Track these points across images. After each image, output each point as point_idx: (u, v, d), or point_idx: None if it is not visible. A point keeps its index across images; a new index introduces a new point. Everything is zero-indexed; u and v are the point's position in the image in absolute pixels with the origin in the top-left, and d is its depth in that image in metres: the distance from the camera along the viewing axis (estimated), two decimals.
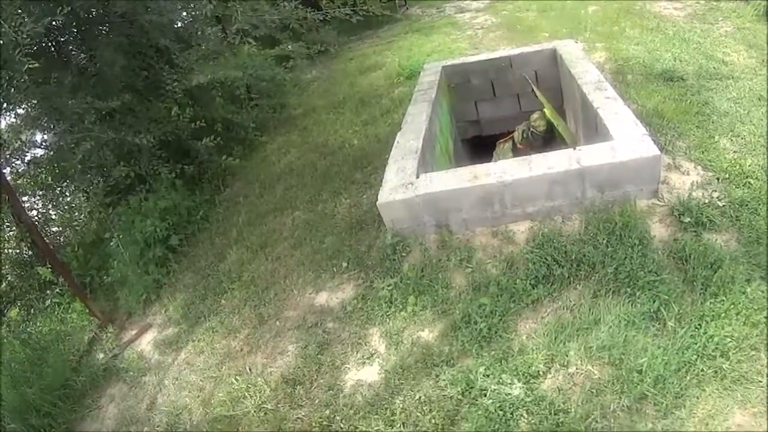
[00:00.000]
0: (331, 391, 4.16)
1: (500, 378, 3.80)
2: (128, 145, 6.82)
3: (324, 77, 12.33)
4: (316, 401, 4.14)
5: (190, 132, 7.56)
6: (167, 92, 7.40)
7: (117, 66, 6.73)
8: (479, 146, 9.14)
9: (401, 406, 3.91)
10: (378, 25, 16.10)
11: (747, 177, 5.17)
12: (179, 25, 8.56)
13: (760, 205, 4.78)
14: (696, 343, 3.70)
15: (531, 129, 8.35)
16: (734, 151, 5.65)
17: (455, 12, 15.73)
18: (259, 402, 4.26)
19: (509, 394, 3.71)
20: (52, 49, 7.21)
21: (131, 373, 5.11)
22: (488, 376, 3.84)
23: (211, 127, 7.98)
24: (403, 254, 5.08)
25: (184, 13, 8.71)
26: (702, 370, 3.56)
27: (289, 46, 9.47)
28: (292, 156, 8.32)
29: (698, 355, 3.64)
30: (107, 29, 7.25)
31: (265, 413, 4.20)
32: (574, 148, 5.21)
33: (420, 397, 3.90)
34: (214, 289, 5.74)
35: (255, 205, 7.14)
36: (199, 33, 8.76)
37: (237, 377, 4.54)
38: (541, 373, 3.81)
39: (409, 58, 11.14)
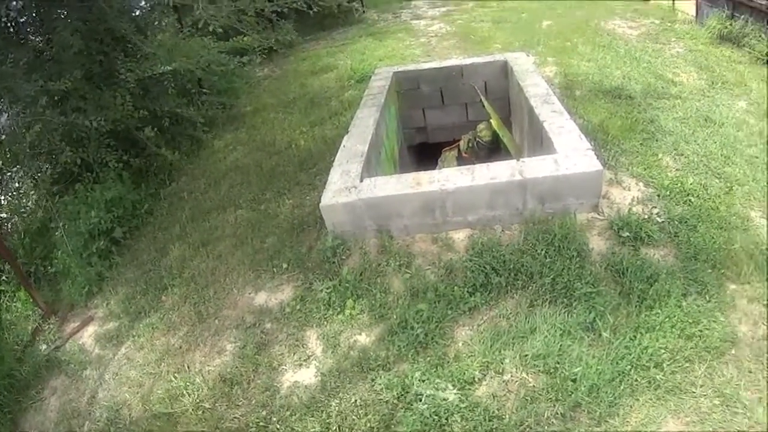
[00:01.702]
0: (268, 392, 4.21)
1: (436, 383, 3.90)
2: (78, 131, 6.82)
3: (276, 76, 12.42)
4: (253, 401, 4.18)
5: (138, 121, 7.56)
6: (120, 80, 7.39)
7: (73, 49, 6.74)
8: (425, 153, 9.34)
9: (337, 409, 3.97)
10: (333, 27, 16.29)
11: (688, 195, 5.45)
12: (137, 13, 8.59)
13: (699, 222, 5.06)
14: (630, 354, 3.89)
15: (477, 139, 8.58)
16: (677, 169, 5.95)
17: (411, 18, 16.05)
18: (197, 400, 4.28)
19: (444, 399, 3.81)
20: (11, 29, 7.20)
21: (73, 366, 5.07)
22: (424, 381, 3.94)
23: (159, 119, 8.00)
24: (343, 257, 5.17)
25: (143, 2, 8.73)
26: (636, 380, 3.74)
27: (245, 38, 9.49)
28: (238, 153, 8.36)
29: (632, 366, 3.82)
30: (66, 12, 7.23)
31: (203, 412, 4.22)
32: (518, 160, 5.41)
33: (356, 401, 3.97)
34: (155, 285, 5.74)
35: (199, 201, 7.16)
36: (156, 23, 8.81)
37: (176, 374, 4.56)
38: (476, 379, 3.93)
39: (361, 61, 11.32)
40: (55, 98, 6.89)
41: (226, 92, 10.47)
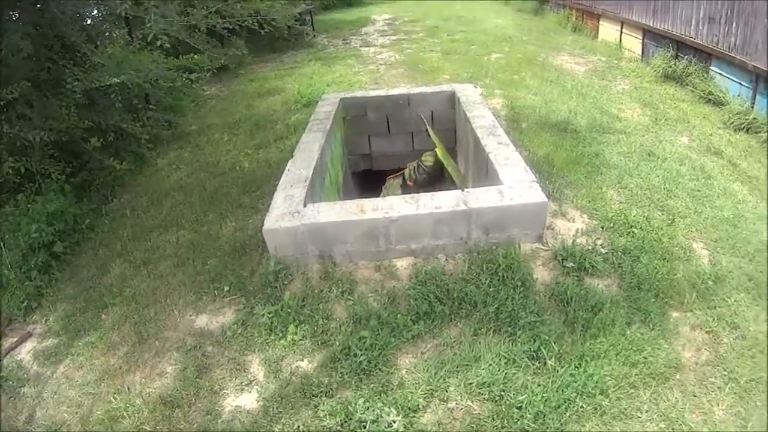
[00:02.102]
0: (209, 416, 4.13)
1: (380, 410, 3.88)
2: (22, 139, 6.65)
3: (223, 95, 12.42)
4: (195, 425, 4.08)
5: (83, 132, 7.45)
6: (67, 90, 7.27)
7: (22, 54, 6.63)
8: (369, 180, 9.41)
9: None
10: (283, 49, 16.47)
11: (631, 227, 5.64)
12: (89, 22, 8.53)
13: (642, 253, 5.23)
14: (576, 382, 3.95)
15: (418, 162, 8.73)
16: (620, 202, 6.15)
17: (361, 45, 16.34)
18: (138, 423, 4.16)
19: (389, 426, 3.79)
20: None
21: (10, 383, 4.85)
22: (368, 408, 3.90)
23: (104, 133, 7.91)
24: (285, 282, 5.14)
25: (95, 11, 8.64)
26: (581, 407, 3.80)
27: (195, 56, 9.46)
28: (182, 173, 8.29)
29: (578, 393, 3.88)
30: (18, 14, 7.14)
31: None
32: (463, 190, 5.51)
33: (299, 427, 3.92)
34: (95, 303, 5.60)
35: (141, 219, 7.05)
36: (107, 33, 8.74)
37: (116, 395, 4.42)
38: (420, 407, 3.92)
39: (309, 86, 11.42)
40: (1, 103, 6.73)
41: (173, 109, 10.39)
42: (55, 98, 7.26)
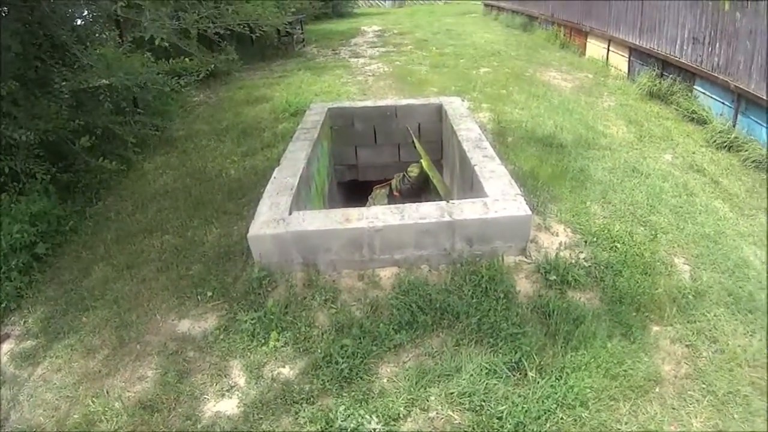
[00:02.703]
0: (189, 421, 4.09)
1: (360, 418, 3.88)
2: (7, 138, 6.62)
3: (211, 102, 12.41)
4: (174, 430, 4.04)
5: (70, 133, 7.41)
6: (55, 90, 7.27)
7: (11, 53, 6.62)
8: (354, 190, 9.43)
9: None
10: (272, 58, 16.50)
11: (614, 241, 5.69)
12: (79, 22, 8.49)
13: (624, 267, 5.27)
14: (556, 393, 3.96)
15: (404, 174, 8.77)
16: (604, 217, 6.20)
17: (350, 56, 16.42)
18: (116, 427, 4.11)
19: None
20: None
21: None
22: (348, 416, 3.90)
23: (92, 133, 7.82)
24: (269, 289, 5.14)
25: (86, 12, 8.62)
26: (561, 419, 3.81)
27: (185, 60, 9.45)
28: (168, 178, 8.26)
29: (558, 404, 3.89)
30: (6, 12, 7.10)
31: None
32: (448, 201, 5.54)
33: None
34: (76, 305, 5.55)
35: (125, 223, 7.02)
36: (98, 35, 8.69)
37: (94, 399, 4.36)
38: (401, 415, 3.92)
39: (297, 95, 11.44)
40: None
41: (161, 114, 10.33)
42: (42, 98, 7.23)
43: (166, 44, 7.36)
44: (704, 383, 4.13)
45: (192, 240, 6.32)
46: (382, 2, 42.32)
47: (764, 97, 8.04)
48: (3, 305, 5.71)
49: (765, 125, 8.23)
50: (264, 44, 16.48)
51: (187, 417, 4.12)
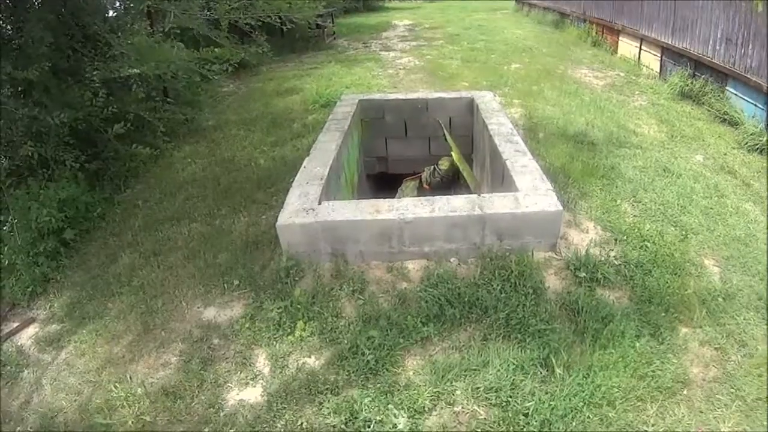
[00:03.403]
0: (212, 408, 4.10)
1: (385, 410, 3.86)
2: (38, 125, 6.71)
3: (241, 93, 12.45)
4: (196, 417, 4.05)
5: (101, 121, 7.48)
6: (86, 79, 7.31)
7: (44, 43, 6.66)
8: (384, 183, 9.36)
9: (283, 430, 3.88)
10: (303, 50, 16.53)
11: (644, 240, 5.60)
12: (111, 14, 8.55)
13: (654, 267, 5.19)
14: (583, 391, 3.91)
15: (434, 166, 8.71)
16: (634, 216, 6.11)
17: (380, 49, 16.37)
18: (138, 412, 4.13)
19: (394, 426, 3.77)
20: None
21: (9, 368, 4.84)
22: (373, 407, 3.88)
23: (124, 121, 7.86)
24: (296, 279, 5.12)
25: (118, 3, 8.73)
26: (588, 417, 3.76)
27: (216, 49, 9.48)
28: (197, 167, 8.30)
29: (585, 403, 3.84)
30: (40, 4, 7.17)
31: (143, 425, 4.06)
32: (479, 195, 5.48)
33: (302, 423, 3.88)
34: (102, 291, 5.59)
35: (153, 210, 7.06)
36: (129, 25, 8.72)
37: (117, 384, 4.39)
38: (426, 409, 3.89)
39: (327, 87, 11.45)
40: (19, 89, 6.75)
41: (190, 104, 10.41)
42: (74, 86, 7.29)
43: (196, 33, 7.37)
44: (733, 387, 4.05)
45: (220, 228, 6.34)
46: None
47: None
48: (30, 289, 5.77)
49: None
50: (294, 36, 16.48)
51: (210, 404, 4.13)
